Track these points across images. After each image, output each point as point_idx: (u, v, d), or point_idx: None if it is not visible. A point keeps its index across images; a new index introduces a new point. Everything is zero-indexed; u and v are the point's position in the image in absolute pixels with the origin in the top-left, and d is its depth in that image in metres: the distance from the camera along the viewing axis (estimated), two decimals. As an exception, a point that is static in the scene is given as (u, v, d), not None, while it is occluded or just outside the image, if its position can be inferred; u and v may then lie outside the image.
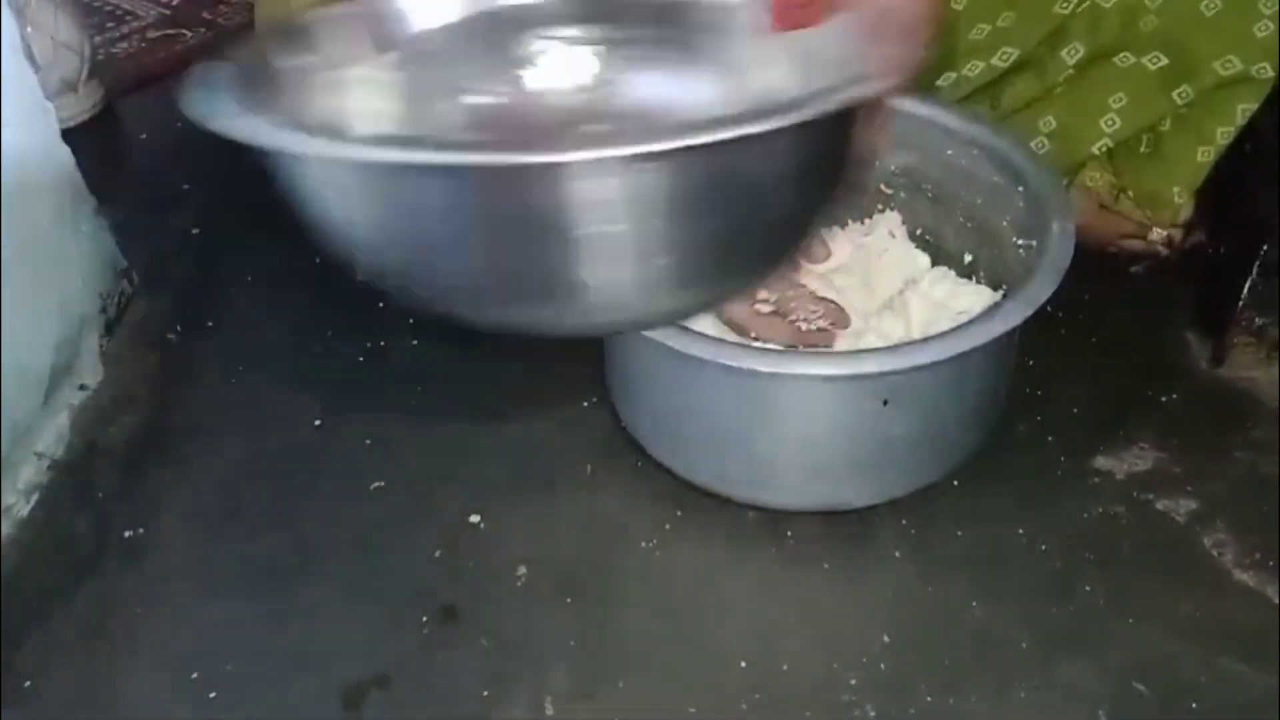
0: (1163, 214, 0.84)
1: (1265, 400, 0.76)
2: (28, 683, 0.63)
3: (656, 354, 0.64)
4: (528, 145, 0.47)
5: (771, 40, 0.64)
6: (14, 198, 0.70)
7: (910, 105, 0.76)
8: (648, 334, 0.62)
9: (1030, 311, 0.62)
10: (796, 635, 0.65)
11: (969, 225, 0.76)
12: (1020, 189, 0.70)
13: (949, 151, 0.75)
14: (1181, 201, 0.83)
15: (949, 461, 0.69)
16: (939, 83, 0.79)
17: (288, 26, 0.63)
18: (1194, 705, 0.60)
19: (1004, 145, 0.72)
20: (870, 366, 0.62)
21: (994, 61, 0.78)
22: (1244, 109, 0.77)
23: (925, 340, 0.64)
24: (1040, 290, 0.63)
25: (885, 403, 0.63)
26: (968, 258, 0.77)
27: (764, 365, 0.62)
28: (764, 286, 0.69)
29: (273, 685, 0.63)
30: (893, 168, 0.78)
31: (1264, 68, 0.75)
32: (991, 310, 0.64)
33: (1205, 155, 0.79)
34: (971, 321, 0.64)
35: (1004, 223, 0.72)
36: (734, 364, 0.61)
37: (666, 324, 0.61)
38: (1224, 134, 0.77)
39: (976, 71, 0.79)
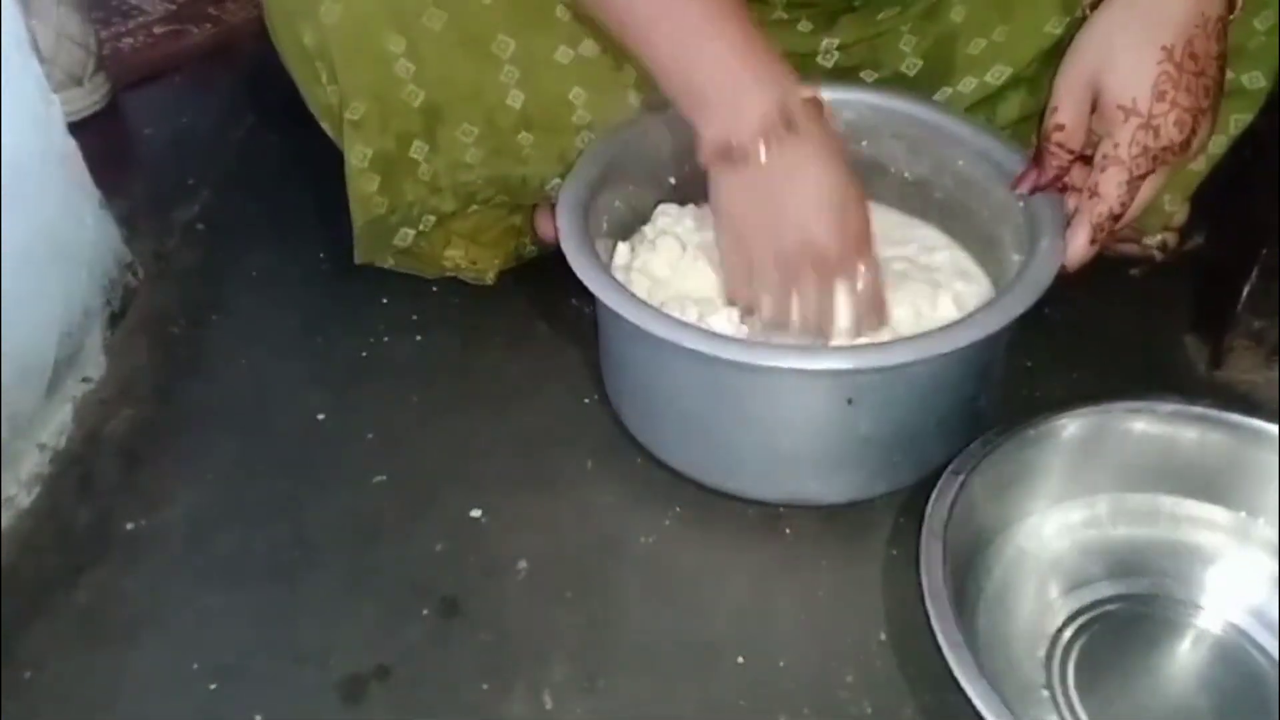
0: (1154, 220, 0.85)
1: (1264, 403, 0.76)
2: (28, 673, 0.63)
3: (636, 339, 0.65)
4: None
5: None
6: (19, 190, 0.70)
7: (925, 113, 0.76)
8: (628, 319, 0.63)
9: (1000, 326, 0.63)
10: (794, 632, 0.65)
11: (976, 237, 0.76)
12: (1021, 204, 0.70)
13: (960, 163, 0.76)
14: (1174, 209, 0.84)
15: (921, 466, 0.69)
16: (935, 98, 0.79)
17: None
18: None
19: (1012, 159, 0.72)
20: (834, 364, 0.63)
21: (987, 79, 0.79)
22: (1238, 119, 0.77)
23: (889, 343, 0.64)
24: (1015, 304, 0.63)
25: (850, 401, 0.64)
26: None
27: (732, 355, 0.62)
28: None
29: (273, 677, 0.63)
30: (906, 174, 0.79)
31: (1256, 77, 0.75)
32: (962, 320, 0.64)
33: (1199, 164, 0.79)
34: (941, 329, 0.64)
35: (1006, 237, 0.73)
36: (705, 351, 0.62)
37: None
38: (1218, 144, 0.78)
39: (970, 88, 0.79)
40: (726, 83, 0.64)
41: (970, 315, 0.65)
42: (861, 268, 0.66)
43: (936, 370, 0.64)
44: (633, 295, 0.66)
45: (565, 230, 0.68)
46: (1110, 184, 0.65)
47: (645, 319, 0.63)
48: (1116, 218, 0.66)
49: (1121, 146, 0.64)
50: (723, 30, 0.64)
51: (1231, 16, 0.66)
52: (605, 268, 0.68)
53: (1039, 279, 0.64)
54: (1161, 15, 0.64)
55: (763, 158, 0.64)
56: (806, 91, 0.65)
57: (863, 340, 0.67)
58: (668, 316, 0.64)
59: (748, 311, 0.69)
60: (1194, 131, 0.65)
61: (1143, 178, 0.65)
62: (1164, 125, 0.64)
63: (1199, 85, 0.64)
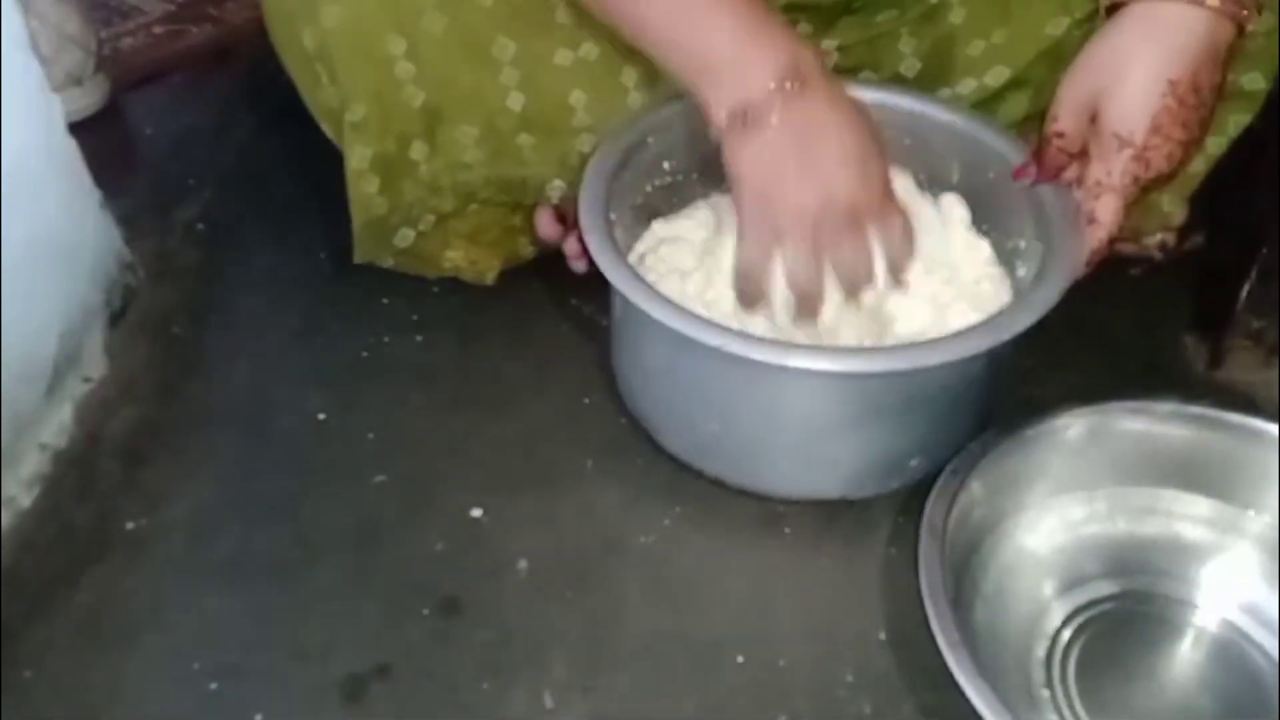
0: (1153, 221, 0.85)
1: (1263, 403, 0.76)
2: (28, 673, 0.63)
3: (668, 340, 0.65)
4: None
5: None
6: (19, 190, 0.70)
7: (930, 109, 0.76)
8: (662, 320, 0.63)
9: (1034, 319, 0.63)
10: (793, 631, 0.65)
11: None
12: (1028, 197, 0.71)
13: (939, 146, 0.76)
14: (1173, 210, 0.84)
15: (937, 459, 0.69)
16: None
17: None
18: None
19: (1014, 154, 0.72)
20: (876, 365, 0.63)
21: (986, 80, 0.79)
22: (1237, 120, 0.77)
23: (932, 342, 0.64)
24: (1046, 297, 0.64)
25: (884, 400, 0.64)
26: None
27: (769, 357, 0.62)
28: None
29: (274, 676, 0.63)
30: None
31: (1255, 78, 0.76)
32: (996, 316, 0.65)
33: (1198, 165, 0.79)
34: (976, 326, 0.64)
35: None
36: (742, 354, 0.62)
37: None
38: (1217, 145, 0.78)
39: (970, 90, 0.80)
40: (735, 50, 0.64)
41: (1002, 311, 0.66)
42: (893, 216, 0.66)
43: (970, 366, 0.65)
44: (690, 311, 0.65)
45: (588, 225, 0.68)
46: (1106, 212, 0.68)
47: (695, 330, 0.63)
48: (1114, 240, 0.69)
49: (1114, 175, 0.67)
50: (731, 4, 0.64)
51: (1244, 34, 0.67)
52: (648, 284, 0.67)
53: (1066, 269, 0.65)
54: (1175, 45, 0.65)
55: (775, 118, 0.63)
56: (812, 50, 0.65)
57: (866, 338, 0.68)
58: (717, 325, 0.64)
59: (753, 300, 0.67)
60: (1181, 162, 0.68)
61: (1134, 202, 0.68)
62: (1155, 158, 0.66)
63: (1195, 118, 0.66)
